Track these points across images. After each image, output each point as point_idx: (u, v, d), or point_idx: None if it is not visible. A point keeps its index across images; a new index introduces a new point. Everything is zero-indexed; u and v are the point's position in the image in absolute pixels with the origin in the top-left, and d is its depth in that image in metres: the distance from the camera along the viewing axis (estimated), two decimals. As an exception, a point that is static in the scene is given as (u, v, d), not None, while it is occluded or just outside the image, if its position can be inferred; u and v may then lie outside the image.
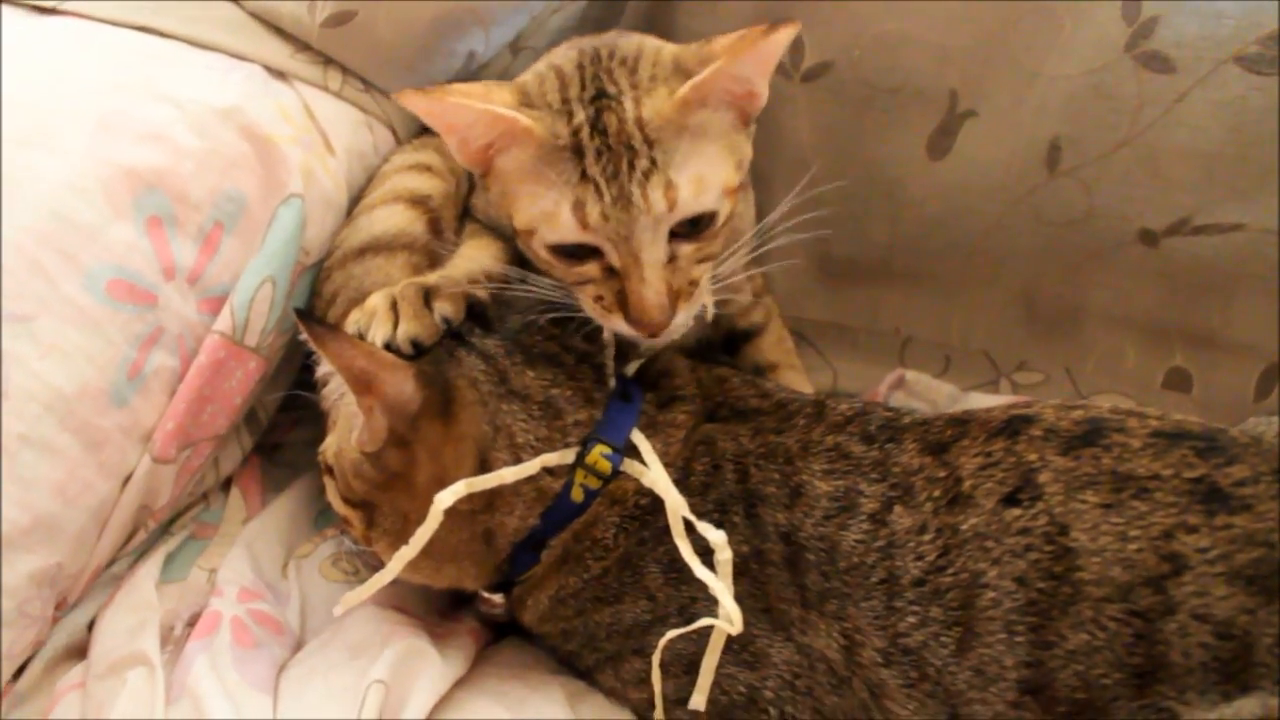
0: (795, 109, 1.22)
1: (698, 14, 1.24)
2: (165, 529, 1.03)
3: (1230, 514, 0.72)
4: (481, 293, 0.91)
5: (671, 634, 0.80)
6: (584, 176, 0.81)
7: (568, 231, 0.82)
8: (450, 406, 0.83)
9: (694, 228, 0.84)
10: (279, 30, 1.10)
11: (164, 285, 0.94)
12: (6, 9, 1.01)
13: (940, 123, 1.20)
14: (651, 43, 0.90)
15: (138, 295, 0.93)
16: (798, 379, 1.18)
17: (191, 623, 0.93)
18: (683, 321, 0.85)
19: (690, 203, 0.82)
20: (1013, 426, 0.81)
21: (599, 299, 0.85)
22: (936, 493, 0.79)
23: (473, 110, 0.84)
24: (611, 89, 0.84)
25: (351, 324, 0.89)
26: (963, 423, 0.83)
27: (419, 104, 0.85)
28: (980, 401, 1.20)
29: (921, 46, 1.18)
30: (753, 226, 1.00)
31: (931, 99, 1.19)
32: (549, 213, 0.83)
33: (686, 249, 0.84)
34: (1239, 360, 1.19)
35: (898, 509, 0.79)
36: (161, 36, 1.03)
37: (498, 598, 0.92)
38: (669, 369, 0.93)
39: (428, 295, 0.87)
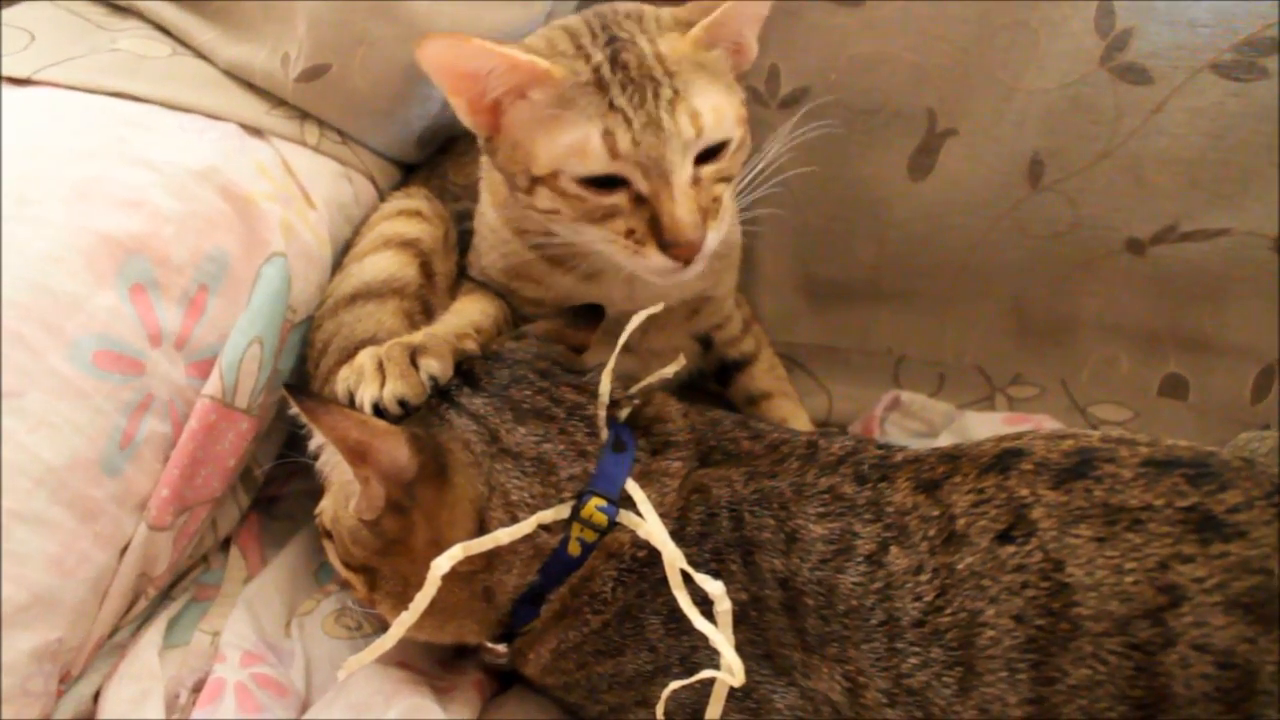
0: (774, 135, 1.21)
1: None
2: (166, 594, 1.02)
3: (1225, 541, 0.72)
4: (471, 345, 0.92)
5: (674, 685, 0.79)
6: (612, 107, 0.85)
7: (598, 161, 0.85)
8: (445, 470, 0.83)
9: (712, 154, 0.89)
10: (253, 87, 1.11)
11: (151, 352, 0.94)
12: (-19, 84, 1.01)
13: (921, 142, 1.20)
14: (648, 5, 0.94)
15: (125, 364, 0.92)
16: (791, 406, 1.18)
17: (196, 689, 0.93)
18: (713, 243, 0.88)
19: (713, 129, 0.87)
20: (1003, 462, 0.80)
21: (630, 233, 0.87)
22: (931, 532, 0.79)
23: (492, 55, 0.86)
24: (623, 34, 0.89)
25: (341, 381, 0.89)
26: (954, 459, 0.83)
27: (439, 48, 0.87)
28: (976, 421, 1.20)
29: (898, 67, 1.18)
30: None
31: (910, 119, 1.19)
32: (577, 146, 0.86)
33: (708, 169, 0.89)
34: (1234, 363, 1.19)
35: (894, 550, 0.79)
36: (136, 100, 1.04)
37: (501, 648, 0.91)
38: (661, 414, 0.92)
39: (414, 354, 0.87)
